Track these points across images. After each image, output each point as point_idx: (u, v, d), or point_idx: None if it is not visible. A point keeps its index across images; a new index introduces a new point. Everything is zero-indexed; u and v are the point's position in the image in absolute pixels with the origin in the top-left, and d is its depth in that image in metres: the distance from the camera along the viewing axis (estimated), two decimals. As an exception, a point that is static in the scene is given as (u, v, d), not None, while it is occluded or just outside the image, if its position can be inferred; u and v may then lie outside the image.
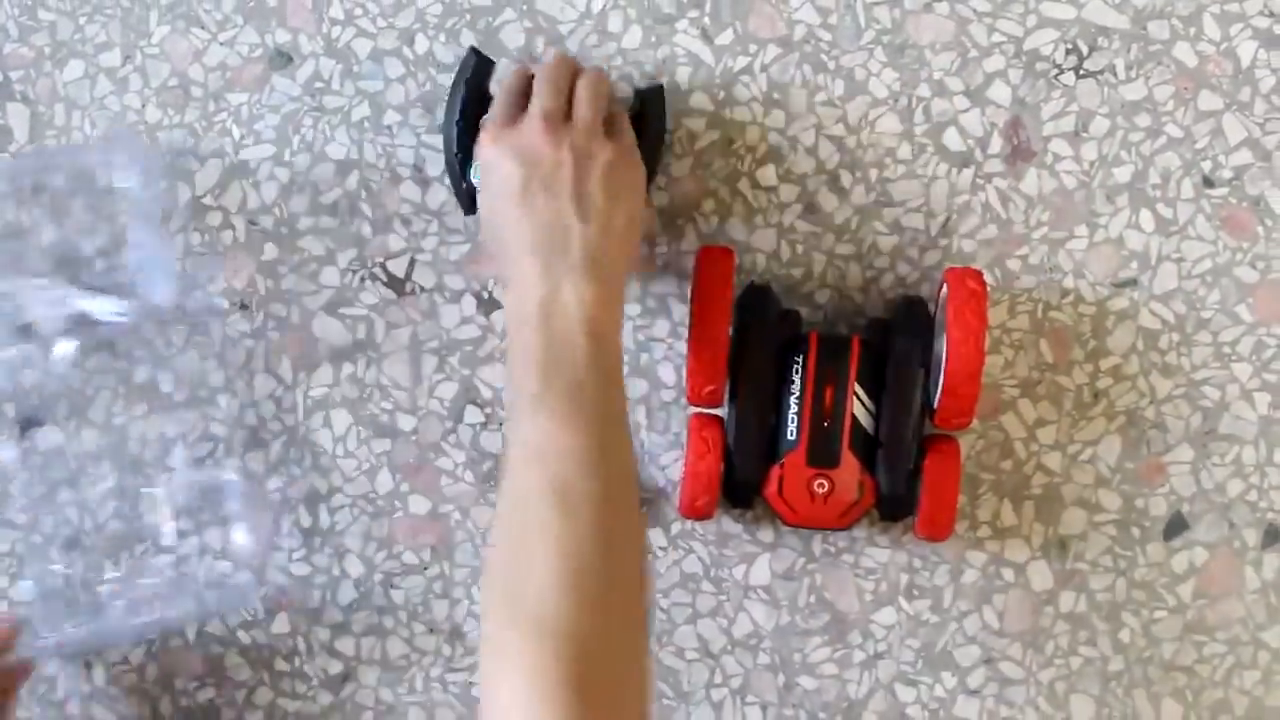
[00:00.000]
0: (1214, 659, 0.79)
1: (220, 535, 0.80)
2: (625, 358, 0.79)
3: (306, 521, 0.80)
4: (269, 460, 0.80)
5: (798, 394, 0.73)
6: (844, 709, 0.80)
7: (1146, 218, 0.78)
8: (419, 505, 0.80)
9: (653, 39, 0.79)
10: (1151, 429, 0.79)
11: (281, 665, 0.81)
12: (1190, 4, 0.78)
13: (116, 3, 0.80)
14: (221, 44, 0.80)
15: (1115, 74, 0.78)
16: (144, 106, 0.80)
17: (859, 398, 0.73)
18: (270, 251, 0.80)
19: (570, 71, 0.73)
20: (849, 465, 0.73)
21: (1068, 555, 0.79)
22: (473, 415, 0.80)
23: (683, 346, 0.79)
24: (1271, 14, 0.78)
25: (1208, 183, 0.78)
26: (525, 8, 0.79)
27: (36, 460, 0.80)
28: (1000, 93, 0.78)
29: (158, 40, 0.80)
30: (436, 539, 0.80)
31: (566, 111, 0.71)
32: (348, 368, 0.80)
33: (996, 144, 0.79)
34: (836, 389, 0.73)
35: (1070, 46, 0.78)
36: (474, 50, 0.76)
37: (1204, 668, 0.79)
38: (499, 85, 0.74)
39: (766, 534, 0.80)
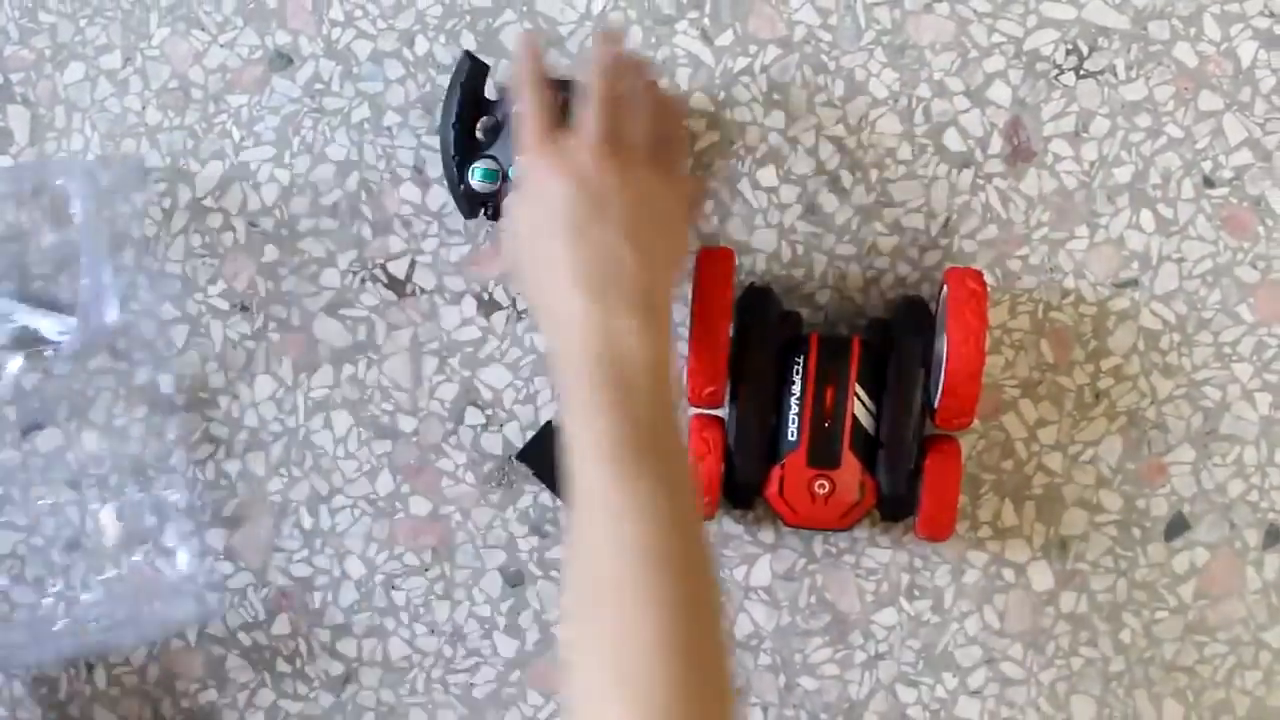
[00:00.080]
0: (1215, 659, 0.79)
1: (161, 555, 0.80)
2: (626, 359, 0.79)
3: (308, 523, 0.80)
4: (270, 462, 0.80)
5: (798, 394, 0.73)
6: (845, 710, 0.80)
7: (1147, 218, 0.78)
8: (420, 506, 0.80)
9: (653, 40, 0.79)
10: (1152, 429, 0.78)
11: (283, 667, 0.81)
12: (1190, 4, 0.78)
13: (117, 5, 0.80)
14: (222, 46, 0.80)
15: (1115, 74, 0.78)
16: (144, 108, 0.80)
17: (860, 398, 0.73)
18: (271, 253, 0.80)
19: (625, 74, 0.69)
20: (850, 466, 0.73)
21: (1069, 555, 0.79)
22: (473, 416, 0.80)
23: (683, 348, 0.79)
24: (1272, 14, 0.78)
25: (1208, 183, 0.78)
26: (525, 9, 0.79)
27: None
28: (1000, 93, 0.78)
29: (158, 42, 0.80)
30: (437, 540, 0.80)
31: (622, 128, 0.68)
32: (348, 369, 0.80)
33: (997, 144, 0.78)
34: (837, 389, 0.73)
35: (1070, 47, 0.78)
36: (468, 54, 0.76)
37: (1205, 668, 0.79)
38: (530, 85, 0.70)
39: (767, 535, 0.80)
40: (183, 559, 0.80)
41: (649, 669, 0.57)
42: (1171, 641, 0.79)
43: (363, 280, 0.80)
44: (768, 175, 0.79)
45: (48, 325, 0.78)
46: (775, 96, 0.79)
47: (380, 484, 0.80)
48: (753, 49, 0.79)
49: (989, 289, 0.74)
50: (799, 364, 0.73)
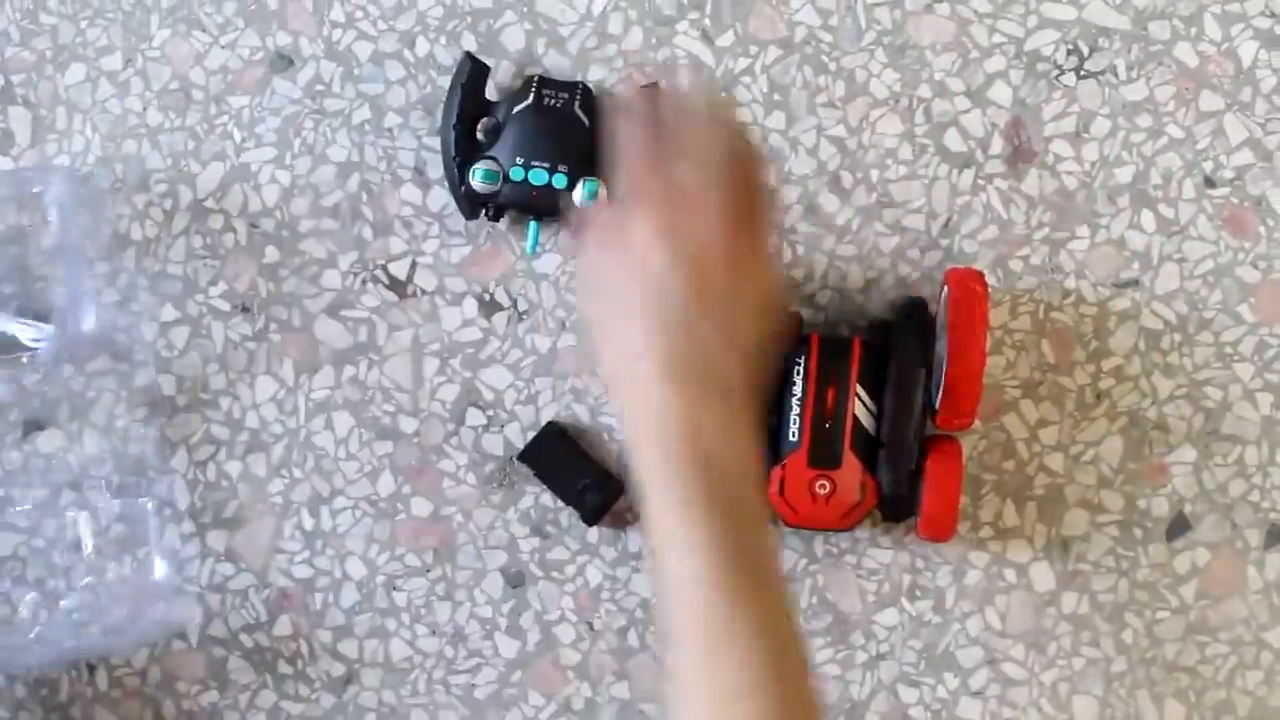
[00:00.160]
0: (1217, 659, 0.79)
1: (137, 563, 0.80)
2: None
3: (309, 524, 0.80)
4: (271, 463, 0.80)
5: (799, 395, 0.73)
6: (846, 710, 0.80)
7: (1148, 218, 0.78)
8: (421, 507, 0.80)
9: (653, 41, 0.79)
10: (1154, 429, 0.78)
11: (284, 668, 0.81)
12: (1191, 4, 0.78)
13: (118, 6, 0.80)
14: (222, 47, 0.80)
15: (1116, 74, 0.78)
16: (145, 110, 0.80)
17: (860, 399, 0.73)
18: (271, 254, 0.80)
19: (715, 132, 0.64)
20: (851, 466, 0.73)
21: (1070, 556, 0.79)
22: (474, 418, 0.80)
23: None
24: (1272, 14, 0.78)
25: (1209, 183, 0.78)
26: (525, 10, 0.79)
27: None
28: (1001, 93, 0.78)
29: (159, 44, 0.80)
30: (439, 541, 0.80)
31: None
32: (349, 370, 0.80)
33: (997, 145, 0.79)
34: (838, 390, 0.73)
35: (1071, 47, 0.78)
36: (469, 55, 0.77)
37: (1207, 668, 0.79)
38: (635, 139, 0.64)
39: (768, 535, 0.80)
40: (162, 567, 0.80)
41: None
42: (1173, 642, 0.79)
43: (364, 281, 0.80)
44: (768, 176, 0.79)
45: (24, 332, 0.78)
46: (776, 97, 0.79)
47: (381, 485, 0.80)
48: (753, 50, 0.79)
49: (990, 289, 0.74)
50: (800, 365, 0.73)
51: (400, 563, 0.80)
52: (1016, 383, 0.79)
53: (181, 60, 0.80)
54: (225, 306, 0.80)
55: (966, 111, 0.79)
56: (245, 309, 0.80)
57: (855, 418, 0.73)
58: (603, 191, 0.75)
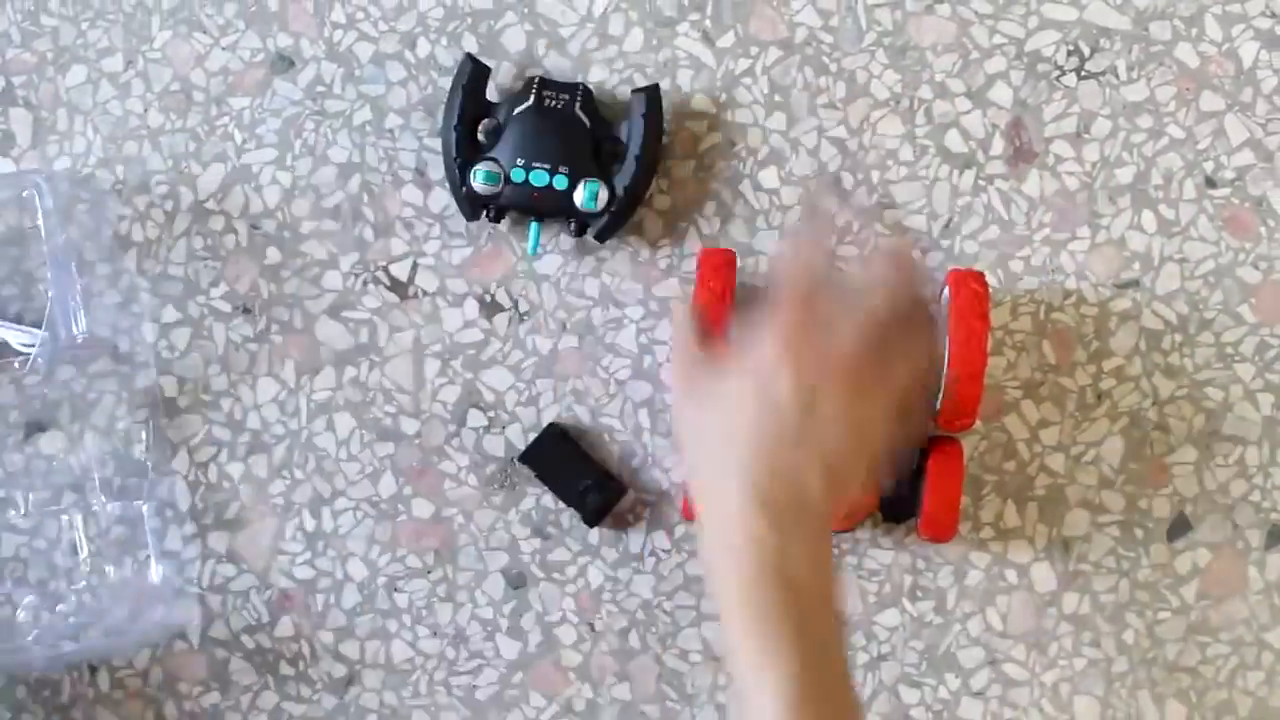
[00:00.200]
0: (1218, 660, 0.79)
1: (137, 565, 0.80)
2: (628, 361, 0.79)
3: (310, 525, 0.80)
4: (272, 464, 0.80)
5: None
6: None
7: (1149, 219, 0.78)
8: (422, 509, 0.80)
9: (654, 42, 0.79)
10: (1154, 430, 0.79)
11: (286, 669, 0.81)
12: (1192, 5, 0.78)
13: (119, 8, 0.80)
14: (223, 48, 0.80)
15: (1117, 75, 0.78)
16: (146, 111, 0.80)
17: None
18: (273, 255, 0.80)
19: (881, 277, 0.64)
20: None
21: (1071, 556, 0.79)
22: (476, 419, 0.80)
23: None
24: (1273, 15, 0.78)
25: (1210, 183, 0.78)
26: (526, 11, 0.79)
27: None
28: (1002, 94, 0.78)
29: (160, 45, 0.80)
30: (440, 542, 0.80)
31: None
32: (350, 371, 0.80)
33: (998, 145, 0.79)
34: None
35: (1072, 48, 0.78)
36: (470, 56, 0.77)
37: (1208, 669, 0.79)
38: (796, 277, 0.65)
39: (770, 536, 0.79)
40: (161, 569, 0.80)
41: None
42: (1174, 642, 0.79)
43: (365, 282, 0.80)
44: (769, 177, 0.79)
45: (15, 337, 0.78)
46: (777, 98, 0.79)
47: (383, 486, 0.80)
48: (754, 51, 0.79)
49: (990, 290, 0.74)
50: None
51: (401, 564, 0.80)
52: (1017, 383, 0.79)
53: (182, 62, 0.80)
54: (226, 308, 0.80)
55: (967, 112, 0.79)
56: (246, 310, 0.80)
57: None
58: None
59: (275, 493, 0.80)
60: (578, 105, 0.77)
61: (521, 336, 0.80)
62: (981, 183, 0.79)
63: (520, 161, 0.76)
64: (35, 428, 0.80)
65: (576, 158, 0.77)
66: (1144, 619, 0.79)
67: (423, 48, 0.80)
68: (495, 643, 0.80)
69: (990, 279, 0.78)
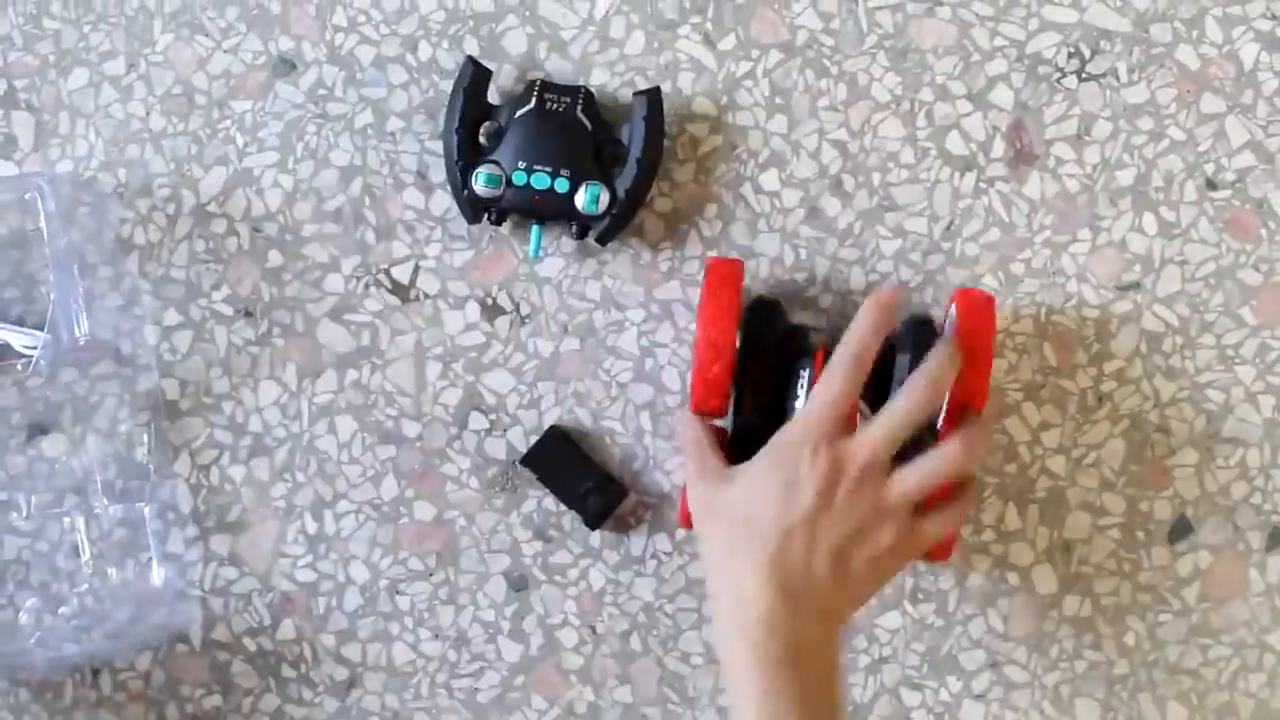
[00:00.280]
0: (1219, 662, 0.79)
1: (139, 567, 0.80)
2: (629, 364, 0.79)
3: (312, 528, 0.80)
4: (274, 467, 0.80)
5: (802, 407, 0.73)
6: (849, 713, 0.80)
7: (1149, 221, 0.78)
8: (424, 511, 0.80)
9: (655, 45, 0.79)
10: (1155, 432, 0.79)
11: (287, 672, 0.81)
12: (1192, 7, 0.78)
13: (121, 11, 0.81)
14: (225, 52, 0.80)
15: (1117, 77, 0.78)
16: (148, 114, 0.80)
17: (863, 413, 0.72)
18: (274, 258, 0.80)
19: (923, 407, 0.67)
20: None
21: (1072, 559, 0.79)
22: (477, 421, 0.80)
23: (686, 352, 0.79)
24: (1274, 17, 0.78)
25: (1210, 185, 0.78)
26: (528, 14, 0.79)
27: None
28: (1003, 96, 0.79)
29: (162, 48, 0.81)
30: (441, 545, 0.80)
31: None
32: (352, 374, 0.80)
33: (999, 148, 0.79)
34: None
35: (1072, 50, 0.78)
36: (471, 59, 0.77)
37: (1209, 671, 0.79)
38: (849, 363, 0.68)
39: (771, 538, 0.80)
40: (163, 571, 0.80)
41: None
42: (1175, 644, 0.79)
43: (366, 285, 0.80)
44: (770, 179, 0.79)
45: (17, 340, 0.78)
46: (778, 101, 0.79)
47: (384, 489, 0.80)
48: (755, 53, 0.79)
49: (994, 300, 0.73)
50: (803, 377, 0.73)
51: (403, 566, 0.80)
52: (1018, 385, 0.79)
53: (184, 65, 0.80)
54: (228, 311, 0.80)
55: (968, 115, 0.79)
56: (248, 313, 0.80)
57: None
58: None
59: (277, 495, 0.80)
60: (579, 108, 0.77)
61: (523, 339, 0.80)
62: (982, 185, 0.79)
63: (521, 164, 0.76)
64: (37, 430, 0.80)
65: (578, 160, 0.77)
66: (1145, 621, 0.79)
67: (424, 51, 0.80)
68: (497, 645, 0.80)
69: (991, 281, 0.78)
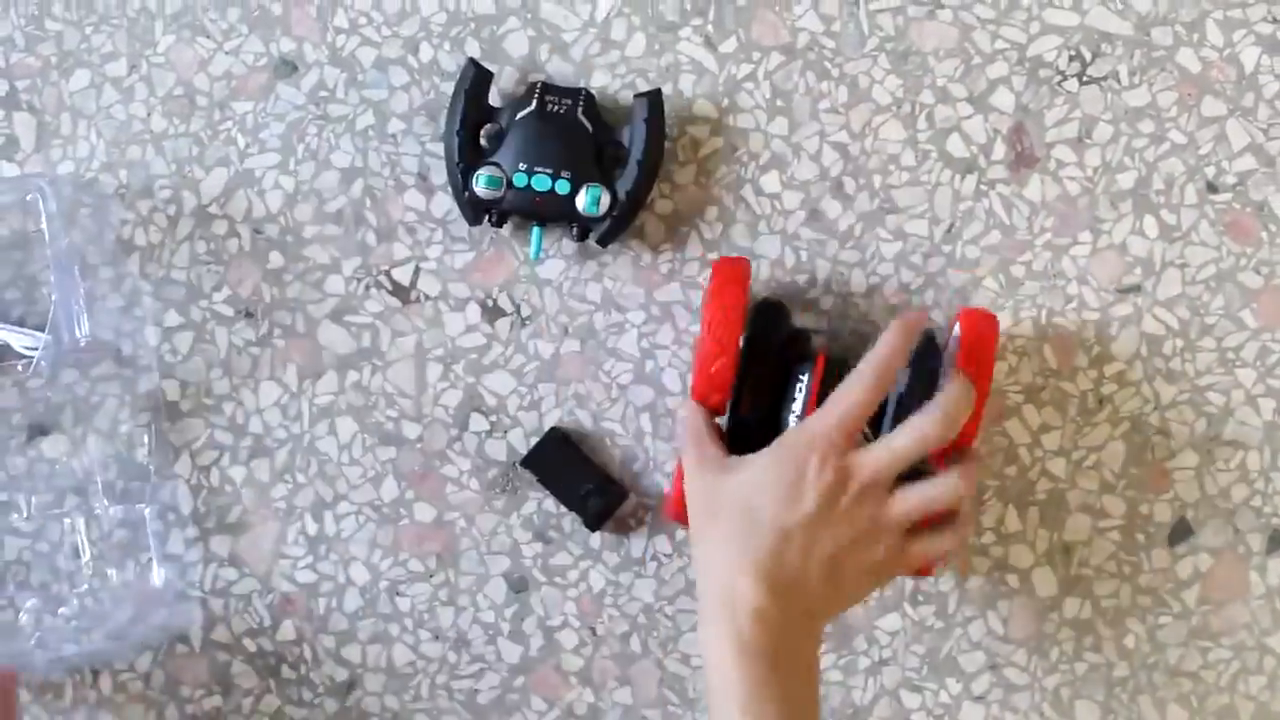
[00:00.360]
0: (1219, 664, 0.79)
1: (139, 568, 0.80)
2: (630, 365, 0.79)
3: (312, 529, 0.80)
4: (274, 468, 0.80)
5: (799, 413, 0.73)
6: (849, 715, 0.80)
7: (1150, 224, 0.78)
8: (424, 513, 0.80)
9: (656, 47, 0.79)
10: (1156, 435, 0.79)
11: (287, 672, 0.81)
12: (1193, 10, 0.78)
13: (123, 13, 0.81)
14: (227, 53, 0.80)
15: (1119, 80, 0.78)
16: (149, 115, 0.80)
17: (864, 433, 0.72)
18: (275, 260, 0.80)
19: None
20: None
21: (1072, 561, 0.79)
22: (478, 423, 0.80)
23: (687, 354, 0.79)
24: (1274, 20, 0.78)
25: (1211, 188, 0.78)
26: (529, 16, 0.79)
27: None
28: (1004, 99, 0.79)
29: (163, 50, 0.81)
30: (442, 546, 0.80)
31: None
32: (353, 375, 0.80)
33: (1000, 150, 0.79)
34: None
35: (1074, 53, 0.78)
36: (472, 61, 0.77)
37: (1209, 673, 0.79)
38: (875, 374, 0.68)
39: (771, 540, 0.80)
40: (163, 572, 0.80)
41: None
42: (1175, 646, 0.79)
43: (367, 287, 0.80)
44: (771, 181, 0.79)
45: (17, 341, 0.79)
46: (779, 103, 0.79)
47: (385, 490, 0.80)
48: (756, 55, 0.79)
49: (993, 293, 0.74)
50: (803, 382, 0.73)
51: (403, 568, 0.80)
52: (1019, 388, 0.79)
53: (186, 66, 0.81)
54: (229, 312, 0.80)
55: (969, 117, 0.79)
56: (249, 314, 0.80)
57: None
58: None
59: (277, 497, 0.80)
60: (580, 110, 0.77)
61: (523, 341, 0.80)
62: (983, 188, 0.79)
63: (522, 166, 0.76)
64: (38, 431, 0.80)
65: (578, 162, 0.77)
66: (1145, 624, 0.79)
67: (425, 53, 0.80)
68: (497, 647, 0.80)
69: (991, 283, 0.78)
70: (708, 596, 0.68)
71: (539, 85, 0.77)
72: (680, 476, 0.74)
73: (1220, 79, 0.78)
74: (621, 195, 0.77)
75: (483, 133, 0.78)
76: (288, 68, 0.80)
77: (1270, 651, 0.79)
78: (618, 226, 0.77)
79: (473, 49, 0.80)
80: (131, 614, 0.80)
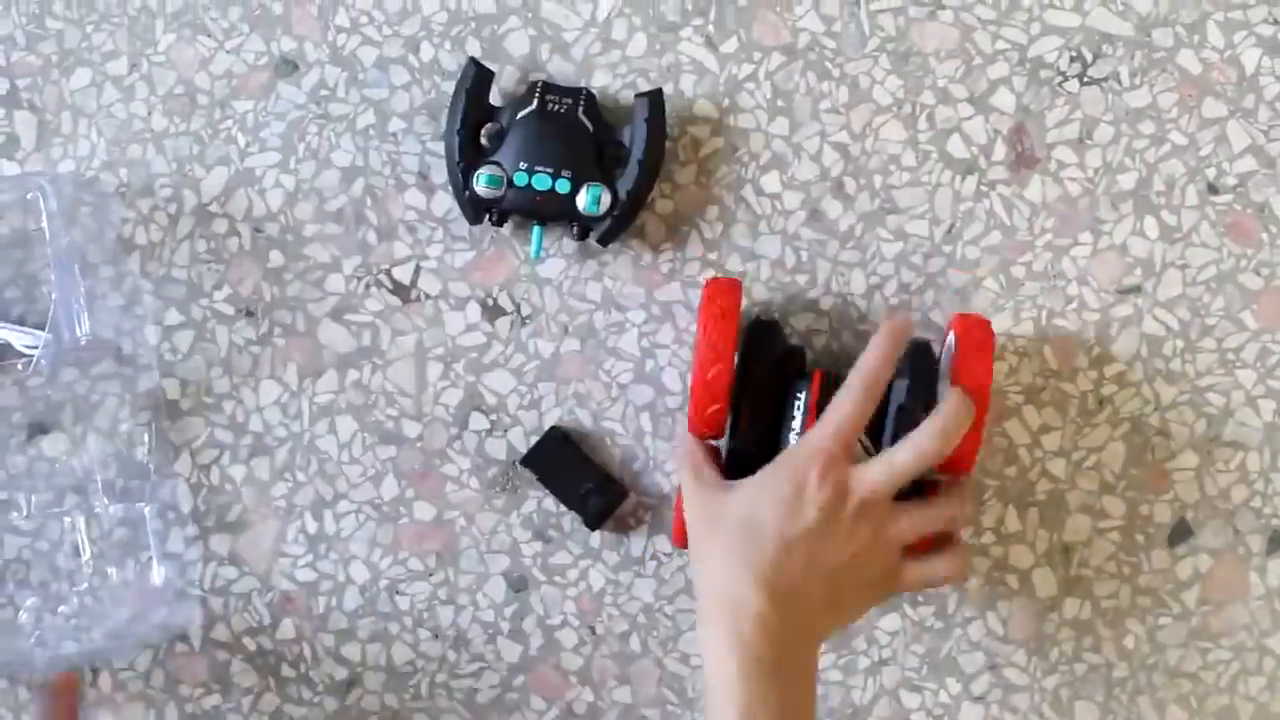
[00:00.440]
0: (1219, 665, 0.79)
1: (139, 567, 0.80)
2: (630, 365, 0.79)
3: (312, 527, 0.80)
4: (274, 467, 0.80)
5: (798, 430, 0.72)
6: (849, 715, 0.80)
7: (1151, 224, 0.79)
8: (424, 511, 0.80)
9: (657, 46, 0.79)
10: (1156, 435, 0.79)
11: (287, 671, 0.81)
12: (1194, 11, 0.78)
13: (123, 11, 0.81)
14: (227, 52, 0.80)
15: (1119, 81, 0.78)
16: (150, 114, 0.81)
17: (860, 440, 0.71)
18: (276, 259, 0.80)
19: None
20: None
21: (1072, 561, 0.79)
22: (478, 422, 0.80)
23: (687, 353, 0.79)
24: (1275, 21, 0.78)
25: (1212, 189, 0.78)
26: (530, 15, 0.79)
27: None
28: (1004, 100, 0.79)
29: (164, 48, 0.81)
30: (441, 545, 0.80)
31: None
32: (353, 374, 0.80)
33: (1001, 151, 0.79)
34: None
35: (1074, 54, 0.78)
36: (473, 61, 0.77)
37: (1209, 674, 0.79)
38: (866, 384, 0.69)
39: (771, 540, 0.80)
40: (163, 571, 0.80)
41: None
42: (1175, 647, 0.79)
43: (367, 286, 0.80)
44: (771, 181, 0.79)
45: (18, 339, 0.79)
46: (779, 103, 0.79)
47: (385, 489, 0.80)
48: (757, 56, 0.79)
49: (993, 297, 0.74)
50: (800, 400, 0.73)
51: (403, 567, 0.80)
52: (1019, 388, 0.79)
53: (186, 65, 0.81)
54: (229, 310, 0.80)
55: (970, 118, 0.79)
56: (249, 313, 0.80)
57: None
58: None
59: (277, 495, 0.80)
60: (581, 110, 0.77)
61: (523, 340, 0.80)
62: (984, 188, 0.79)
63: (523, 165, 0.76)
64: (38, 429, 0.80)
65: (579, 162, 0.77)
66: (1145, 624, 0.79)
67: (426, 52, 0.80)
68: (496, 645, 0.80)
69: (992, 284, 0.78)
70: (708, 599, 0.69)
71: (540, 84, 0.77)
72: (681, 505, 0.74)
73: (1221, 80, 0.78)
74: (622, 195, 0.77)
75: (483, 132, 0.78)
76: (288, 67, 0.80)
77: (1270, 653, 0.79)
78: (618, 226, 0.77)
79: (474, 48, 0.80)
80: (131, 612, 0.80)
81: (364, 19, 0.80)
